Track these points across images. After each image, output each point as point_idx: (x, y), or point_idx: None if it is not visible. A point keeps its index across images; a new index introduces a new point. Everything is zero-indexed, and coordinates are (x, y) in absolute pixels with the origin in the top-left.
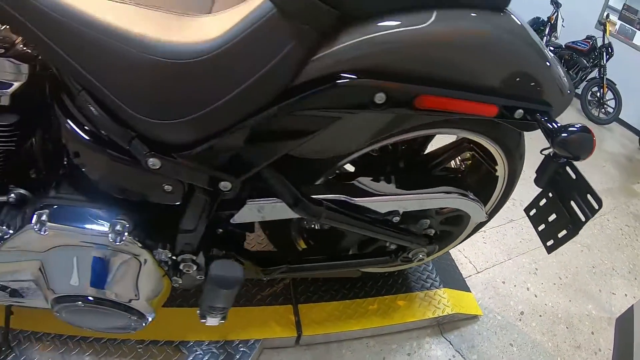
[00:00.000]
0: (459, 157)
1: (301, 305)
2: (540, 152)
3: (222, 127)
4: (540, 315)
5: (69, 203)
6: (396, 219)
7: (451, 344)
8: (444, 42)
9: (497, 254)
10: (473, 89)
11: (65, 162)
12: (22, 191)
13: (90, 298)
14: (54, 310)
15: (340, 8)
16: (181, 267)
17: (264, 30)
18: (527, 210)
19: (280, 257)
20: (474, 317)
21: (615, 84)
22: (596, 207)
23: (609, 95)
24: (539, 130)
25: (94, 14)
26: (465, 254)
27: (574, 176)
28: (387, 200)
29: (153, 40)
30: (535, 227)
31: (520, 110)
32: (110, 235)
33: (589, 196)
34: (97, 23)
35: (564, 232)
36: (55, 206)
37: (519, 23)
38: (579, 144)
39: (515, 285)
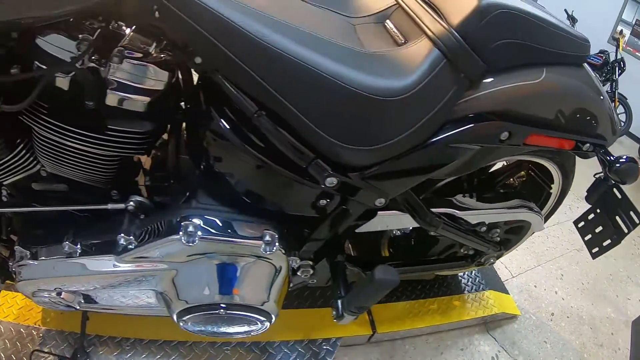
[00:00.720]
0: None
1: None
2: (594, 175)
3: (394, 154)
4: (568, 317)
5: (214, 214)
6: (483, 229)
7: (496, 341)
8: (551, 94)
9: (528, 260)
10: (562, 129)
11: (200, 172)
12: (140, 199)
13: (224, 305)
14: (181, 319)
15: (488, 63)
16: (299, 272)
17: (439, 77)
18: (576, 222)
19: (376, 262)
20: (513, 317)
21: (627, 98)
22: (637, 221)
23: (620, 109)
24: None
25: (292, 40)
26: (501, 260)
27: (619, 196)
28: (481, 213)
29: (354, 74)
30: (583, 237)
31: (588, 144)
32: (262, 246)
33: (631, 212)
34: (297, 50)
35: (609, 241)
36: (201, 217)
37: (593, 75)
38: (628, 172)
39: (545, 289)
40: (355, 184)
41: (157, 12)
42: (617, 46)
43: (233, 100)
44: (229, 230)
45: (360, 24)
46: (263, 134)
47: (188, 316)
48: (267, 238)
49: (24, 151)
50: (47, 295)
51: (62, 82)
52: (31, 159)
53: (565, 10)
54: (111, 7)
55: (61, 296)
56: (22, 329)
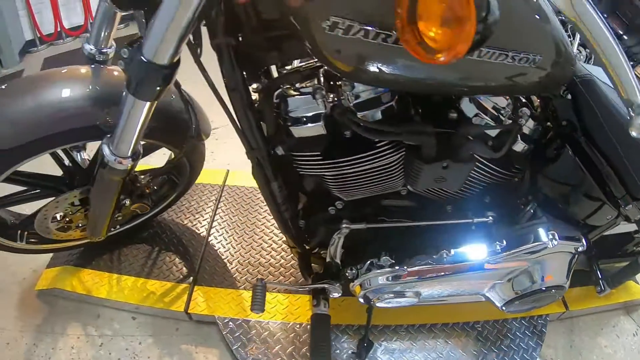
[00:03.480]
0: None
1: None
2: None
3: None
4: None
5: (555, 223)
6: None
7: (634, 320)
8: None
9: None
10: None
11: (540, 194)
12: (494, 214)
13: (544, 288)
14: (509, 305)
15: None
16: None
17: None
18: None
19: None
20: None
21: None
22: None
23: None
24: None
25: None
26: None
27: None
28: None
29: None
30: None
31: None
32: (580, 245)
33: None
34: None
35: None
36: (550, 226)
37: None
38: None
39: None
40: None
41: (569, 94)
42: None
43: (587, 151)
44: (566, 234)
45: None
46: (600, 175)
47: (517, 302)
48: (582, 239)
49: (402, 174)
50: (392, 297)
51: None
52: (402, 180)
53: None
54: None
55: (406, 296)
56: (286, 327)
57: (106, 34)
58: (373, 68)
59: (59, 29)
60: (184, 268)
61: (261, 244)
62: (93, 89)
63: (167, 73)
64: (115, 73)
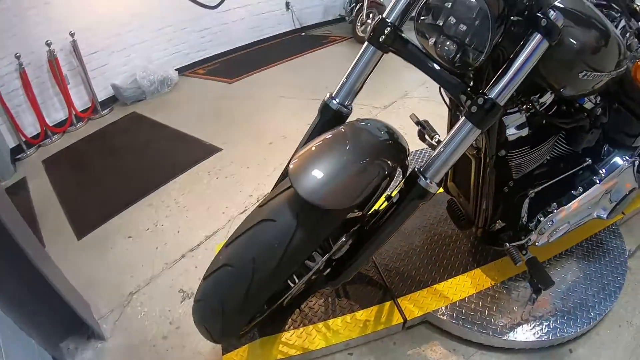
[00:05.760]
0: None
1: None
2: None
3: None
4: None
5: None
6: None
7: None
8: None
9: None
10: None
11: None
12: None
13: (629, 192)
14: (611, 214)
15: None
16: None
17: None
18: None
19: None
20: None
21: None
22: None
23: None
24: None
25: None
26: None
27: None
28: None
29: None
30: None
31: None
32: (637, 159)
33: None
34: None
35: None
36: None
37: None
38: None
39: None
40: None
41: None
42: None
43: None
44: (628, 156)
45: None
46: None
47: (615, 208)
48: (636, 156)
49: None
50: (556, 232)
51: None
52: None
53: None
54: None
55: (566, 226)
56: (481, 295)
57: (350, 100)
58: (589, 89)
59: (44, 128)
60: (377, 289)
61: (424, 245)
62: (380, 141)
63: (501, 113)
64: (370, 129)
